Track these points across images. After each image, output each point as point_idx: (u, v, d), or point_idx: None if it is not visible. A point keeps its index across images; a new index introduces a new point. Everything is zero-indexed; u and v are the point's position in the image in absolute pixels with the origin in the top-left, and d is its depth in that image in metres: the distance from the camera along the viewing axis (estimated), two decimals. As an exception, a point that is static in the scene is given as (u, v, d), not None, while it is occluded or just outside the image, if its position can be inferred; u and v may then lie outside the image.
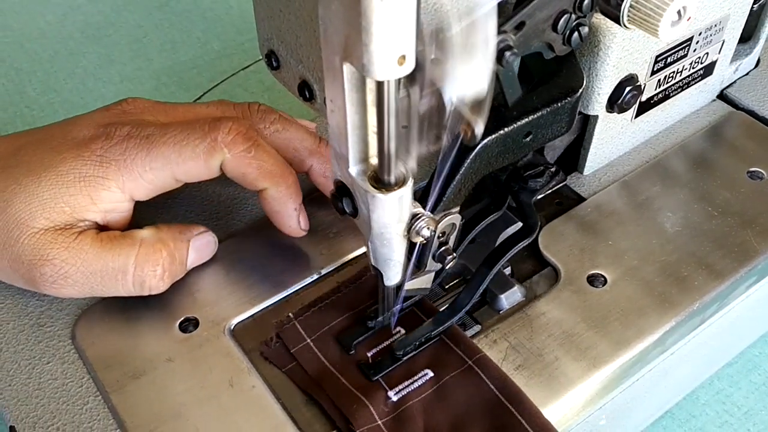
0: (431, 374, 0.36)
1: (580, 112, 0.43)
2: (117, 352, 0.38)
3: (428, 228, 0.32)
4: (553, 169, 0.42)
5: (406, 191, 0.30)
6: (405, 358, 0.37)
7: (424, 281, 0.37)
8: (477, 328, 0.39)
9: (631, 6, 0.32)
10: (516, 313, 0.39)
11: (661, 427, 0.49)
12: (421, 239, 0.32)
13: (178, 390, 0.36)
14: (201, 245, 0.40)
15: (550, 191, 0.44)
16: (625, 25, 0.33)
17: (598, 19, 0.38)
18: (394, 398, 0.35)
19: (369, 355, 0.37)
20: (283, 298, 0.40)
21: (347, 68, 0.27)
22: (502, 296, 0.39)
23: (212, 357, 0.38)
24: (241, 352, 0.38)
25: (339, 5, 0.24)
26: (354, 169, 0.30)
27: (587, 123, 0.43)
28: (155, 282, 0.38)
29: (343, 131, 0.29)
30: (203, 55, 0.75)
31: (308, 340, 0.38)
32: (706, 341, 0.45)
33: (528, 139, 0.35)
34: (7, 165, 0.38)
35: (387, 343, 0.38)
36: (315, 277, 0.41)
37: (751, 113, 0.49)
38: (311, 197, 0.42)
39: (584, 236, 0.42)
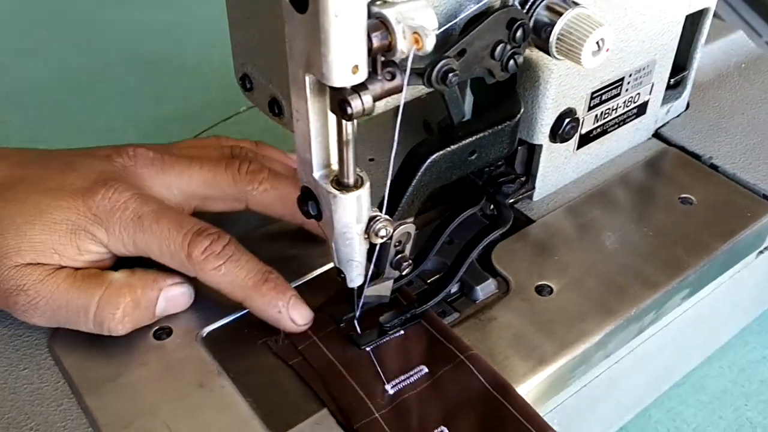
0: (426, 370, 0.39)
1: (527, 142, 0.47)
2: (93, 359, 0.40)
3: (385, 229, 0.36)
4: (523, 179, 0.47)
5: (364, 192, 0.34)
6: (391, 331, 0.40)
7: (383, 288, 0.41)
8: (456, 315, 0.43)
9: (558, 39, 0.37)
10: (470, 319, 0.42)
11: (614, 442, 0.52)
12: (380, 240, 0.36)
13: (150, 391, 0.39)
14: (174, 295, 0.42)
15: (520, 198, 0.48)
16: (554, 56, 0.38)
17: (538, 56, 0.43)
18: (391, 391, 0.38)
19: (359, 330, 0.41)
20: (254, 309, 0.43)
21: (309, 79, 0.31)
22: (478, 287, 0.43)
23: (184, 362, 0.40)
24: (211, 357, 0.40)
25: (301, 22, 0.29)
26: (317, 173, 0.34)
27: (533, 152, 0.48)
28: (113, 324, 0.40)
29: (307, 138, 0.33)
30: (187, 108, 0.80)
31: (314, 338, 0.41)
32: (649, 354, 0.49)
33: (473, 157, 0.39)
34: (2, 197, 0.41)
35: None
36: (285, 290, 0.44)
37: (683, 149, 0.54)
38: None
39: (533, 252, 0.46)
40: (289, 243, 0.47)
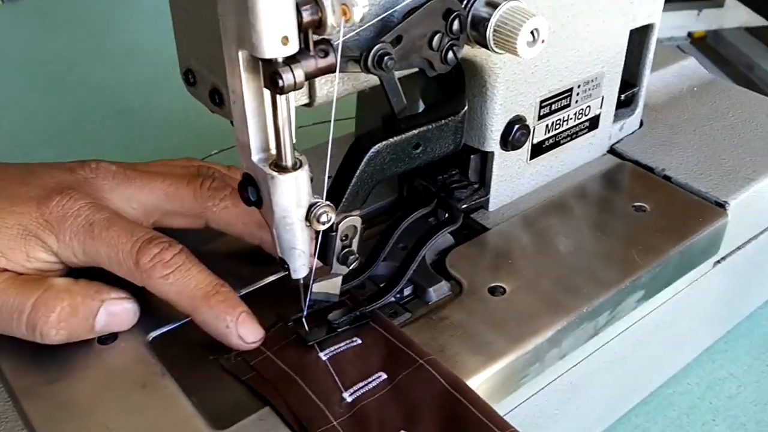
0: (385, 376, 0.38)
1: (479, 150, 0.48)
2: (32, 362, 0.39)
3: (327, 214, 0.36)
4: (476, 186, 0.47)
5: (302, 174, 0.34)
6: (340, 329, 0.39)
7: (331, 285, 0.41)
8: (407, 315, 0.42)
9: (494, 31, 0.38)
10: (421, 319, 0.42)
11: (579, 457, 0.51)
12: (322, 226, 0.36)
13: (90, 393, 0.38)
14: (117, 311, 0.40)
15: (473, 204, 0.47)
16: (493, 50, 0.39)
17: (483, 59, 0.44)
18: (349, 399, 0.37)
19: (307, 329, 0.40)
20: (204, 314, 0.43)
21: (242, 55, 0.31)
22: (431, 289, 0.43)
23: (128, 364, 0.39)
24: (157, 360, 0.40)
25: (232, -4, 0.30)
26: (256, 157, 0.35)
27: (486, 160, 0.49)
28: (47, 329, 0.38)
29: (244, 119, 0.33)
30: (156, 153, 0.80)
31: (267, 352, 0.40)
32: (609, 361, 0.48)
33: (418, 150, 0.40)
34: None
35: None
36: (235, 296, 0.44)
37: (636, 163, 0.55)
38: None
39: (487, 257, 0.46)
40: (245, 253, 0.47)
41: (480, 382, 0.39)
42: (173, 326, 0.42)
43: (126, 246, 0.40)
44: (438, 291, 0.43)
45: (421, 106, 0.47)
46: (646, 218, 0.49)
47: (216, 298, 0.40)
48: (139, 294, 0.43)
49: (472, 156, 0.48)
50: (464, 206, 0.47)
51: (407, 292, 0.44)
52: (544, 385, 0.44)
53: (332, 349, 0.40)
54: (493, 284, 0.44)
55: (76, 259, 0.41)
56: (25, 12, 1.14)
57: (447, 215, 0.47)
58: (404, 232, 0.46)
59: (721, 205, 0.50)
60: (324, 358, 0.39)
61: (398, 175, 0.50)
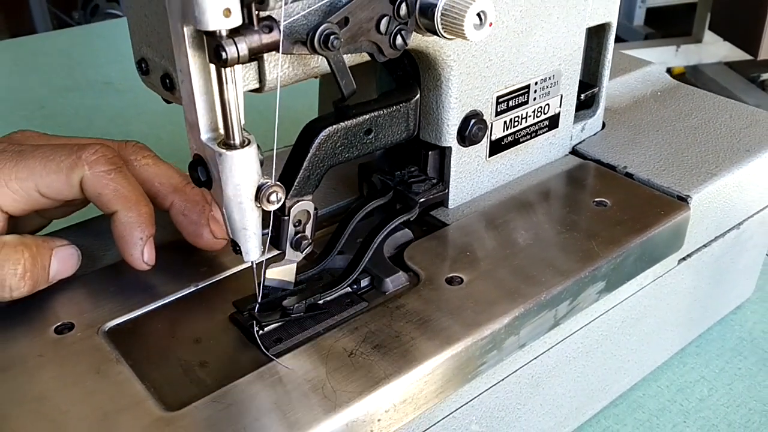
0: None
1: (437, 146, 0.48)
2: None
3: (276, 194, 0.36)
4: (434, 180, 0.47)
5: (251, 151, 0.34)
6: (293, 315, 0.39)
7: (286, 272, 0.40)
8: (364, 304, 0.42)
9: (441, 15, 0.39)
10: (376, 308, 0.42)
11: (546, 455, 0.50)
12: (272, 206, 0.36)
13: (44, 378, 0.37)
14: (64, 256, 0.42)
15: (431, 198, 0.48)
16: (442, 35, 0.39)
17: (436, 51, 0.45)
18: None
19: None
20: (160, 306, 0.43)
21: (188, 31, 0.32)
22: (388, 279, 0.43)
23: (83, 352, 0.39)
24: (112, 347, 0.39)
25: (174, -30, 0.30)
26: (205, 136, 0.35)
27: (444, 157, 0.49)
28: (15, 281, 0.40)
29: (192, 97, 0.34)
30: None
31: None
32: (573, 356, 0.48)
33: (370, 136, 0.40)
34: None
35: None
36: (192, 289, 0.44)
37: (599, 162, 0.55)
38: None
39: (445, 250, 0.46)
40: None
41: (435, 365, 0.38)
42: (129, 316, 0.42)
43: (63, 150, 0.41)
44: (395, 282, 0.43)
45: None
46: (607, 212, 0.50)
47: (146, 207, 0.42)
48: (96, 286, 0.43)
49: (430, 152, 0.48)
50: (422, 199, 0.47)
51: (365, 282, 0.44)
52: (504, 375, 0.44)
53: None
54: (450, 275, 0.44)
55: (9, 190, 0.40)
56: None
57: (401, 206, 0.47)
58: (363, 226, 0.46)
59: (683, 199, 0.50)
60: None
61: (358, 173, 0.51)
